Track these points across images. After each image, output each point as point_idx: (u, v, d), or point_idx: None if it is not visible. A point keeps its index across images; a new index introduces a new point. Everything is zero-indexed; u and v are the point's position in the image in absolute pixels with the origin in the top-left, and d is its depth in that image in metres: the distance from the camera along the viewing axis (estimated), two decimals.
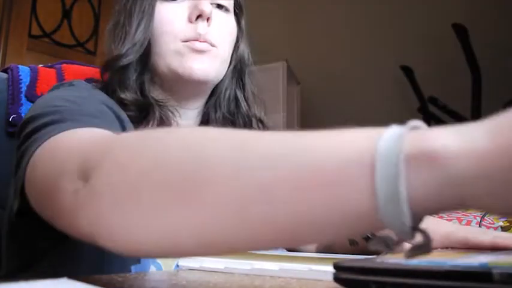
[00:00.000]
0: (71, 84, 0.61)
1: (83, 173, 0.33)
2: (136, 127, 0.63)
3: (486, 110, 2.33)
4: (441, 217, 0.76)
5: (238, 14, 0.74)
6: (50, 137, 0.43)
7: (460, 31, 2.28)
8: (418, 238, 0.24)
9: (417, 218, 0.23)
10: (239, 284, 0.42)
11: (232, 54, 0.71)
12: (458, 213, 0.76)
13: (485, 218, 0.70)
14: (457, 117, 2.52)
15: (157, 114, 0.64)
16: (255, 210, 0.25)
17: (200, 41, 0.63)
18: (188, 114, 0.70)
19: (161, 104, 0.65)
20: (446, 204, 0.23)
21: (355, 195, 0.23)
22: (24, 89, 0.78)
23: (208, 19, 0.64)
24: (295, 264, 0.45)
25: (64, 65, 0.82)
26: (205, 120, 0.73)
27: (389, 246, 0.26)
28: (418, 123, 0.25)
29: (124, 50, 0.63)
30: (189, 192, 0.27)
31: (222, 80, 0.70)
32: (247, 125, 0.73)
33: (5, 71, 0.80)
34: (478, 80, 2.30)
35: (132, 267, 0.56)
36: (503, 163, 0.21)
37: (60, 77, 0.79)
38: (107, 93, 0.63)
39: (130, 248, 0.30)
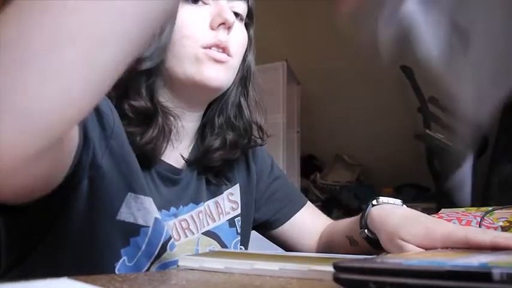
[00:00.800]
0: None
1: None
2: (132, 129, 0.61)
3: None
4: (441, 217, 0.76)
5: (248, 24, 0.74)
6: None
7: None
8: None
9: None
10: (239, 284, 0.42)
11: (240, 64, 0.72)
12: (458, 213, 0.76)
13: (485, 218, 0.70)
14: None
15: (160, 120, 0.63)
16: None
17: (219, 50, 0.63)
18: (192, 117, 0.70)
19: (168, 111, 0.64)
20: None
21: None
22: None
23: (229, 28, 0.64)
24: (295, 264, 0.45)
25: None
26: (205, 122, 0.73)
27: None
28: None
29: (149, 53, 0.59)
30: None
31: (229, 87, 0.71)
32: (247, 130, 0.74)
33: None
34: None
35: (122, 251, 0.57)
36: None
37: None
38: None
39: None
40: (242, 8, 0.70)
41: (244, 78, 0.75)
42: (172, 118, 0.65)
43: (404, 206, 0.68)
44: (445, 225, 0.58)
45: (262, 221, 0.81)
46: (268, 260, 0.47)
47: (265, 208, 0.81)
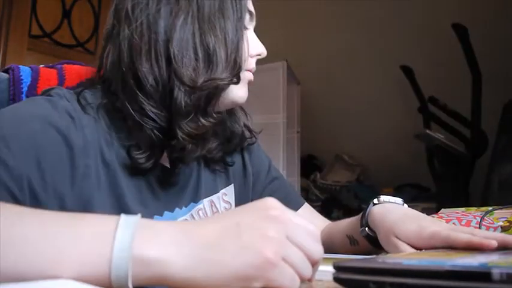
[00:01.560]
0: (44, 93, 0.61)
1: None
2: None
3: (486, 110, 2.33)
4: (441, 217, 0.76)
5: None
6: None
7: (460, 31, 2.28)
8: None
9: None
10: None
11: None
12: (458, 213, 0.76)
13: (485, 218, 0.70)
14: (457, 117, 2.52)
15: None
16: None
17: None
18: None
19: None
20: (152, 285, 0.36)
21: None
22: (25, 89, 0.78)
23: None
24: None
25: (65, 65, 0.82)
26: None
27: None
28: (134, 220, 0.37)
29: (232, 72, 0.62)
30: None
31: None
32: (238, 131, 0.76)
33: (6, 71, 0.80)
34: (478, 80, 2.30)
35: None
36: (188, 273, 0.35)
37: (61, 77, 0.79)
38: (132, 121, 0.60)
39: None
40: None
41: None
42: None
43: (405, 205, 0.68)
44: (438, 225, 0.59)
45: None
46: None
47: None
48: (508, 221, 0.72)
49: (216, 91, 0.61)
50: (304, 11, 3.00)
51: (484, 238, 0.51)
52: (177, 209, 0.68)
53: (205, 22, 0.60)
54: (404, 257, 0.46)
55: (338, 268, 0.31)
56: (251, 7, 0.69)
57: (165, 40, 0.59)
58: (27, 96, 0.78)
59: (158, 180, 0.65)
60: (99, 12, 2.74)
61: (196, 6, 0.61)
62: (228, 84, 0.62)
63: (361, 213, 0.70)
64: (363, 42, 2.91)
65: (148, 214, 0.58)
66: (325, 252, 0.55)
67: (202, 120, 0.60)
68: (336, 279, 0.30)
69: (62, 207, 0.54)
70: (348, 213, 2.94)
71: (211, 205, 0.74)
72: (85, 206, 0.55)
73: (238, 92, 0.66)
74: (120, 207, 0.59)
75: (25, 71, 0.80)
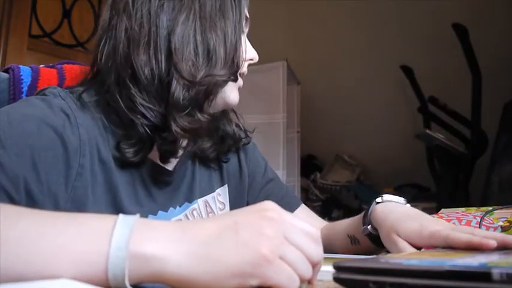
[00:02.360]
0: (39, 93, 0.60)
1: None
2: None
3: (486, 110, 2.33)
4: (441, 217, 0.76)
5: None
6: None
7: (460, 31, 2.28)
8: None
9: None
10: None
11: None
12: (458, 213, 0.76)
13: (485, 218, 0.70)
14: (457, 117, 2.52)
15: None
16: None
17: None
18: None
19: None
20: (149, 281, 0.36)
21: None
22: (25, 89, 0.78)
23: None
24: None
25: (65, 65, 0.82)
26: None
27: None
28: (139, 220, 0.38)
29: (230, 70, 0.63)
30: None
31: None
32: (230, 132, 0.77)
33: (6, 71, 0.80)
34: (478, 80, 2.30)
35: None
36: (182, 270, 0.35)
37: (61, 77, 0.79)
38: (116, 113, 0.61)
39: None
40: None
41: None
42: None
43: (408, 204, 0.68)
44: (439, 224, 0.59)
45: None
46: None
47: None
48: (508, 221, 0.72)
49: (214, 87, 0.61)
50: (304, 11, 3.00)
51: (484, 238, 0.51)
52: (171, 209, 0.68)
53: (207, 20, 0.61)
54: (405, 257, 0.46)
55: (338, 268, 0.31)
56: (247, 13, 0.70)
57: (166, 34, 0.59)
58: (27, 96, 0.78)
59: (152, 178, 0.66)
60: (99, 12, 2.74)
61: (198, 5, 0.62)
62: (226, 81, 0.63)
63: (363, 212, 0.70)
64: (363, 42, 2.90)
65: (143, 213, 0.57)
66: (325, 252, 0.55)
67: (199, 115, 0.61)
68: (336, 279, 0.30)
69: (57, 207, 0.54)
70: (348, 213, 2.94)
71: (206, 205, 0.74)
72: (79, 207, 0.56)
73: (230, 94, 0.67)
74: (115, 206, 0.59)
75: (25, 71, 0.80)
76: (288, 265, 0.35)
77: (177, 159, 0.70)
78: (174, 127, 0.59)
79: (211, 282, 0.35)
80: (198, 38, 0.60)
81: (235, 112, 0.79)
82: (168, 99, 0.59)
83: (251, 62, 0.70)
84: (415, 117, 2.70)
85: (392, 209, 0.65)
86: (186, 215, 0.70)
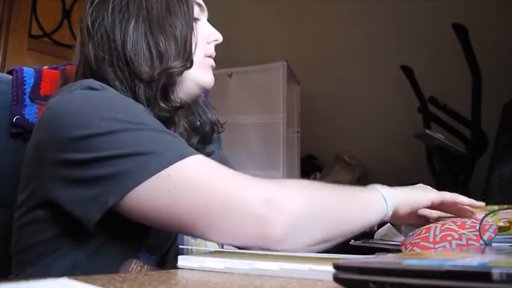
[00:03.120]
0: (91, 88, 0.62)
1: (269, 204, 0.54)
2: None
3: (486, 110, 2.33)
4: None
5: None
6: (161, 169, 0.54)
7: (460, 31, 2.28)
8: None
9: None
10: (239, 284, 0.42)
11: None
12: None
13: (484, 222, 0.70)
14: (457, 117, 2.52)
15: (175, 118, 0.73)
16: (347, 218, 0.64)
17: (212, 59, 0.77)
18: (180, 121, 0.78)
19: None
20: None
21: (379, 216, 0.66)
22: (28, 90, 0.78)
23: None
24: (295, 264, 0.45)
25: (68, 66, 0.82)
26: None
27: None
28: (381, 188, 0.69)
29: (180, 60, 0.68)
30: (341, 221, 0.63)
31: None
32: (207, 122, 0.83)
33: (10, 72, 0.80)
34: (478, 79, 2.30)
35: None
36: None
37: (64, 79, 0.80)
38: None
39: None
40: None
41: None
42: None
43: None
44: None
45: None
46: (268, 260, 0.47)
47: None
48: (509, 222, 0.72)
49: (171, 79, 0.68)
50: (304, 11, 3.00)
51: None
52: None
53: (155, 22, 0.68)
54: (404, 257, 0.46)
55: (338, 268, 0.31)
56: (199, 0, 0.76)
57: (121, 45, 0.66)
58: (30, 98, 0.78)
59: None
60: None
61: (145, 10, 0.68)
62: (182, 70, 0.69)
63: None
64: (363, 42, 2.90)
65: None
66: (322, 251, 0.57)
67: (164, 106, 0.67)
68: (336, 279, 0.30)
69: None
70: None
71: None
72: None
73: (203, 77, 0.74)
74: None
75: (28, 73, 0.80)
76: None
77: None
78: None
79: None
80: (150, 41, 0.67)
81: (206, 104, 0.85)
82: (137, 100, 0.66)
83: (216, 42, 0.77)
84: (415, 117, 2.69)
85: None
86: None
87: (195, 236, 0.65)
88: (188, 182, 0.55)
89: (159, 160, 0.54)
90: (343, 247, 0.67)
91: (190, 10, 0.71)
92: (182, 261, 0.51)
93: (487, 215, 0.66)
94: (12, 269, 0.64)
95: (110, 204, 0.54)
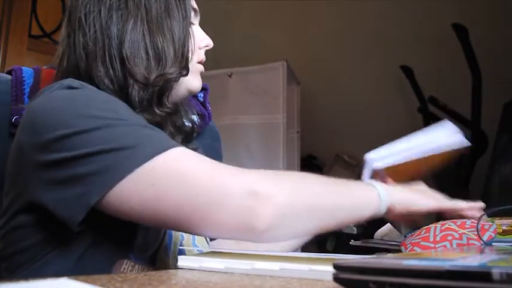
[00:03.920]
0: (70, 87, 0.61)
1: (253, 195, 0.53)
2: None
3: (486, 110, 2.33)
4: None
5: None
6: (144, 162, 0.53)
7: (460, 31, 2.28)
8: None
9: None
10: (239, 284, 0.42)
11: None
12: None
13: (483, 222, 0.70)
14: (457, 117, 2.52)
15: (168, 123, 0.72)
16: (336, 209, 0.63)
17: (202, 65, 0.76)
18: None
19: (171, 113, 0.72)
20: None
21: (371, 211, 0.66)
22: (27, 90, 0.78)
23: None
24: (295, 264, 0.45)
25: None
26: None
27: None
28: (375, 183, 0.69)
29: (176, 67, 0.68)
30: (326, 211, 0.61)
31: None
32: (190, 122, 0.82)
33: (9, 72, 0.80)
34: (478, 79, 2.30)
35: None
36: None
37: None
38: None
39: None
40: None
41: None
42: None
43: None
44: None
45: None
46: (268, 260, 0.47)
47: None
48: (511, 226, 0.72)
49: (167, 85, 0.67)
50: (304, 11, 3.00)
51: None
52: None
53: (154, 23, 0.67)
54: (404, 257, 0.46)
55: (338, 268, 0.31)
56: (194, 5, 0.75)
57: (118, 43, 0.65)
58: (29, 98, 0.78)
59: None
60: None
61: (144, 10, 0.67)
62: (178, 77, 0.68)
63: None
64: (363, 42, 2.90)
65: None
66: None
67: (157, 111, 0.67)
68: (336, 279, 0.30)
69: None
70: None
71: None
72: None
73: (192, 82, 0.73)
74: None
75: (27, 73, 0.80)
76: None
77: None
78: None
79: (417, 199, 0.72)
80: (148, 41, 0.66)
81: (187, 105, 0.84)
82: (128, 102, 0.64)
83: (207, 48, 0.76)
84: (415, 117, 2.69)
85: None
86: None
87: (181, 230, 0.65)
88: (172, 175, 0.54)
89: (142, 153, 0.53)
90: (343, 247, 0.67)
91: (188, 14, 0.70)
92: (182, 261, 0.51)
93: (482, 215, 0.66)
94: (2, 274, 0.63)
95: (93, 202, 0.53)
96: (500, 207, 0.71)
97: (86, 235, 0.59)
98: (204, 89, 0.94)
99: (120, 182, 0.52)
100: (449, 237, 0.65)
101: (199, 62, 0.75)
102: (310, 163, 3.29)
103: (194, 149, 0.82)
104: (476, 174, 2.37)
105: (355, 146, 3.23)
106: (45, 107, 0.58)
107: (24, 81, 0.79)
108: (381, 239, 0.84)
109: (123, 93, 0.65)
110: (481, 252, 0.48)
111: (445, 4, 2.52)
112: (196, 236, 0.75)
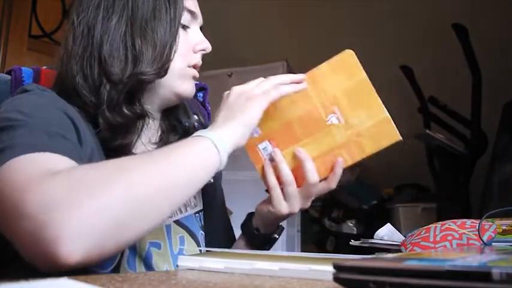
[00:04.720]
0: (24, 91, 0.63)
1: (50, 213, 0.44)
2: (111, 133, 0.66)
3: (486, 110, 2.33)
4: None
5: None
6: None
7: (460, 31, 2.28)
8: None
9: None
10: (239, 284, 0.42)
11: None
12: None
13: (484, 222, 0.70)
14: (457, 117, 2.52)
15: (141, 122, 0.71)
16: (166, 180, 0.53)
17: (196, 69, 0.74)
18: (157, 116, 0.77)
19: (147, 113, 0.70)
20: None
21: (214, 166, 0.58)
22: None
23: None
24: (295, 264, 0.45)
25: None
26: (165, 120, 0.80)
27: None
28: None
29: (154, 69, 0.66)
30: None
31: None
32: (191, 128, 0.81)
33: (9, 73, 0.80)
34: (478, 79, 2.30)
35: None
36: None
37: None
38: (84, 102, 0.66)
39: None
40: None
41: None
42: (147, 118, 0.71)
43: None
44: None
45: None
46: (268, 260, 0.47)
47: None
48: (511, 226, 0.72)
49: (140, 85, 0.67)
50: (304, 11, 3.00)
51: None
52: None
53: (137, 24, 0.66)
54: (405, 257, 0.46)
55: (338, 268, 0.31)
56: (192, 7, 0.73)
57: (99, 43, 0.65)
58: None
59: None
60: None
61: (130, 10, 0.67)
62: (153, 77, 0.67)
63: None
64: (363, 42, 2.90)
65: None
66: None
67: (125, 111, 0.66)
68: (336, 279, 0.30)
69: None
70: (348, 213, 2.94)
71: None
72: None
73: (181, 86, 0.72)
74: None
75: (27, 73, 0.80)
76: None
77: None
78: (101, 123, 0.65)
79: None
80: (127, 43, 0.66)
81: (191, 110, 0.83)
82: (97, 100, 0.65)
83: (203, 52, 0.75)
84: (415, 117, 2.69)
85: None
86: None
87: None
88: (2, 184, 0.48)
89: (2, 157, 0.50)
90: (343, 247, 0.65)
91: (177, 17, 0.69)
92: (182, 261, 0.51)
93: (483, 218, 0.66)
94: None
95: None
96: (501, 209, 0.71)
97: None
98: (204, 89, 0.94)
99: None
100: (449, 237, 0.65)
101: (193, 66, 0.74)
102: None
103: None
104: (476, 174, 2.37)
105: None
106: None
107: (24, 81, 0.79)
108: (380, 239, 0.84)
109: (96, 92, 0.65)
110: (481, 252, 0.48)
111: (445, 4, 2.52)
112: (184, 248, 0.72)
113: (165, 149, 0.57)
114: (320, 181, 0.71)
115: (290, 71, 2.81)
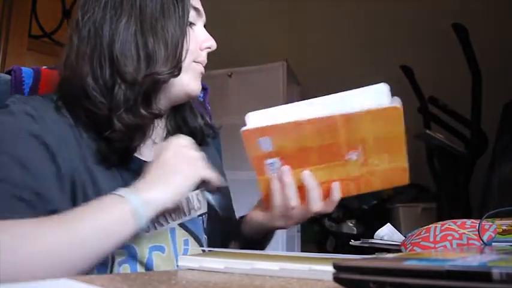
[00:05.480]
0: (4, 106, 0.62)
1: None
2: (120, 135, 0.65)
3: (486, 110, 2.33)
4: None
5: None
6: None
7: (460, 31, 2.28)
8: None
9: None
10: (239, 284, 0.42)
11: None
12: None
13: (484, 222, 0.70)
14: (457, 117, 2.52)
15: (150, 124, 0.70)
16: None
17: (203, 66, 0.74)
18: (162, 123, 0.77)
19: (156, 114, 0.69)
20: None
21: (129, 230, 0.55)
22: (27, 90, 0.78)
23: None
24: (295, 264, 0.45)
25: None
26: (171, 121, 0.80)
27: None
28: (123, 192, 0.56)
29: (168, 68, 0.65)
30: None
31: None
32: (200, 127, 0.81)
33: (9, 72, 0.80)
34: (478, 80, 2.30)
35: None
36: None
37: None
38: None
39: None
40: None
41: None
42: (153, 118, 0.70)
43: None
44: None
45: None
46: (268, 260, 0.47)
47: None
48: (511, 226, 0.72)
49: (156, 85, 0.66)
50: (305, 11, 3.00)
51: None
52: None
53: (147, 23, 0.65)
54: (405, 257, 0.46)
55: (338, 268, 0.31)
56: (197, 4, 0.73)
57: (109, 43, 0.64)
58: None
59: (137, 174, 0.65)
60: None
61: (138, 9, 0.66)
62: (168, 78, 0.66)
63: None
64: (363, 42, 2.90)
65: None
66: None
67: (142, 112, 0.65)
68: (336, 279, 0.30)
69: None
70: (348, 213, 2.94)
71: (187, 201, 0.74)
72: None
73: (189, 84, 0.71)
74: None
75: (27, 73, 0.80)
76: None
77: None
78: (116, 125, 0.63)
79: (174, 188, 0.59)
80: (139, 42, 0.65)
81: (199, 109, 0.82)
82: (111, 101, 0.63)
83: (209, 50, 0.74)
84: (415, 117, 2.69)
85: None
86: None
87: None
88: None
89: None
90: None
91: (185, 14, 0.68)
92: (182, 261, 0.51)
93: (483, 218, 0.66)
94: None
95: None
96: (501, 209, 0.71)
97: None
98: (204, 89, 0.94)
99: None
100: (449, 237, 0.65)
101: (199, 63, 0.73)
102: None
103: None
104: (476, 174, 2.37)
105: None
106: None
107: (24, 81, 0.79)
108: (380, 239, 0.84)
109: (108, 93, 0.64)
110: (481, 252, 0.48)
111: (445, 4, 2.52)
112: (189, 251, 0.72)
113: (80, 214, 0.53)
114: None
115: (290, 71, 2.81)
